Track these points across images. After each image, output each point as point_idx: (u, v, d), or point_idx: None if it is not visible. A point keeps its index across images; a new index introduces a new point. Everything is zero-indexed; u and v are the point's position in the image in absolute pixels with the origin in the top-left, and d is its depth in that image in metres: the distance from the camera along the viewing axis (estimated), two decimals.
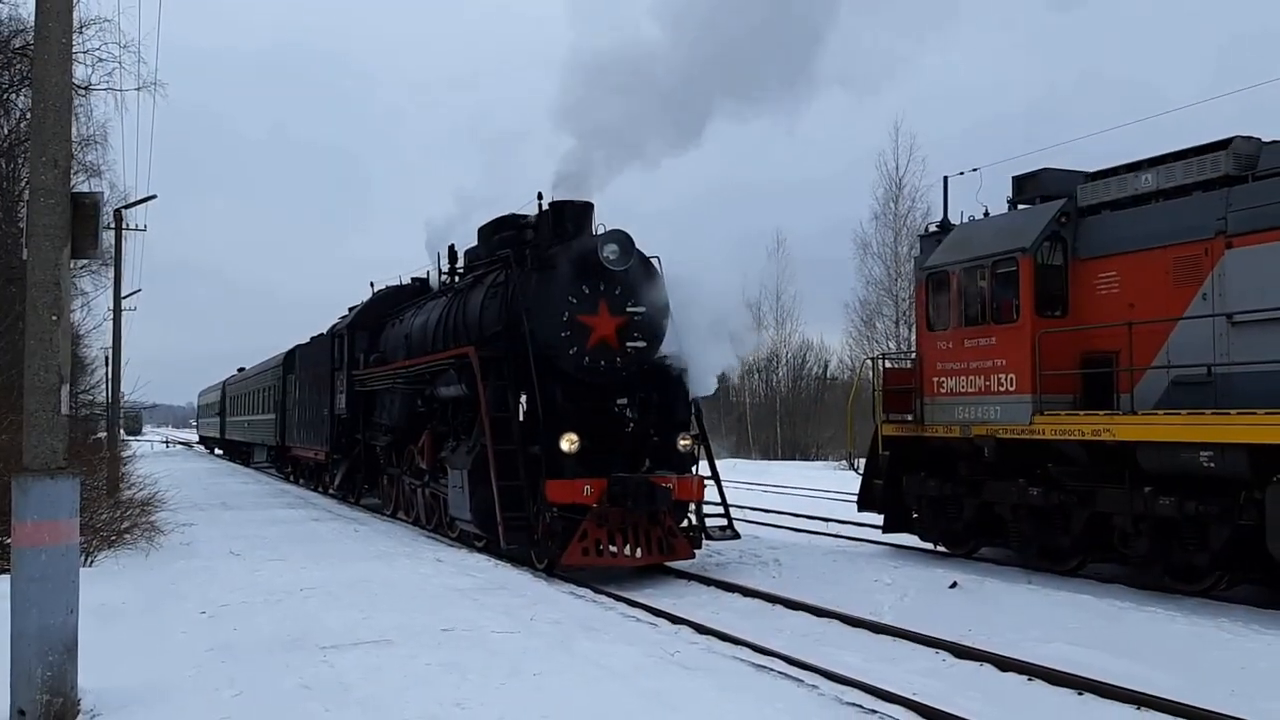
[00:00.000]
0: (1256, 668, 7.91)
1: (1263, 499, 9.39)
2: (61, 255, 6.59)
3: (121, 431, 32.31)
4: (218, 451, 56.44)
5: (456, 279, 17.13)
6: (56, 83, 6.65)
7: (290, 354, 30.11)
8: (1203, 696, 7.10)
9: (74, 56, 7.19)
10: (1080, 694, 7.37)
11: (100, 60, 23.56)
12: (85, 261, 16.63)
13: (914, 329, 16.83)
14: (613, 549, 12.35)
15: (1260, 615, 9.61)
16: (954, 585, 11.41)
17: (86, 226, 6.72)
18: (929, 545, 14.10)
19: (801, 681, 7.48)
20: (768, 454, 50.99)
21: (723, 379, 19.42)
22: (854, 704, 6.97)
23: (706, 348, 13.63)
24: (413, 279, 21.51)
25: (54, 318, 6.54)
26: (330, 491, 24.83)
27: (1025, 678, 7.78)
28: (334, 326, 24.03)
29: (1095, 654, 8.24)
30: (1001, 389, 12.13)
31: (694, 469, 13.44)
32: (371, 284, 22.77)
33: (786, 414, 54.08)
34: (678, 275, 13.60)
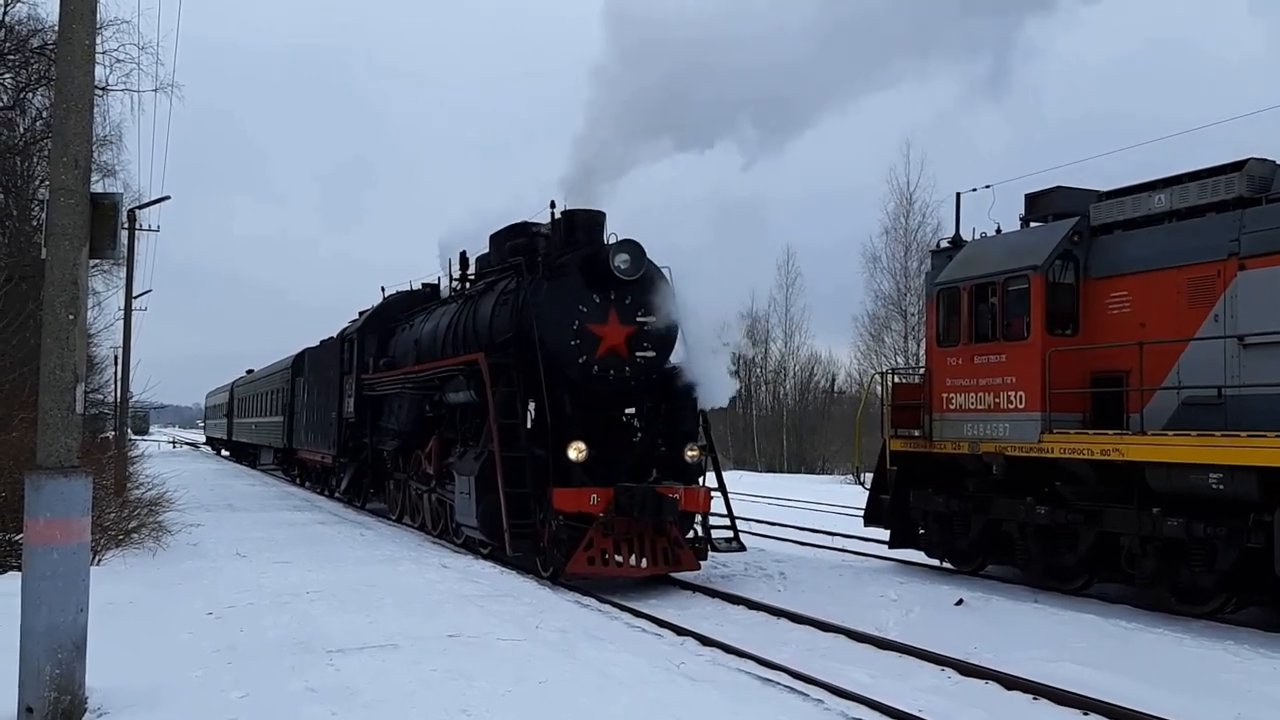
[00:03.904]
0: (1263, 691, 7.87)
1: (1271, 522, 9.37)
2: (80, 255, 6.63)
3: (129, 431, 32.37)
4: (224, 453, 56.56)
5: (467, 285, 17.17)
6: (79, 84, 6.69)
7: (299, 357, 30.16)
8: (1210, 719, 7.08)
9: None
10: (1086, 714, 7.34)
11: (118, 61, 23.81)
12: (98, 261, 16.71)
13: (923, 344, 16.81)
14: (618, 559, 12.34)
15: (1268, 639, 9.58)
16: (960, 602, 11.39)
17: (105, 226, 6.76)
18: (935, 562, 14.06)
19: (807, 696, 7.47)
20: (774, 467, 50.91)
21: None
22: None
23: (716, 359, 13.64)
24: (423, 285, 21.59)
25: (71, 317, 6.58)
26: (336, 495, 24.85)
27: (1031, 696, 7.76)
28: (344, 330, 24.08)
29: (1102, 674, 8.21)
30: (1011, 406, 12.12)
31: (701, 480, 13.44)
32: (382, 289, 22.85)
33: (793, 427, 53.99)
34: (685, 285, 13.63)
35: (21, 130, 25.55)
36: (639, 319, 13.30)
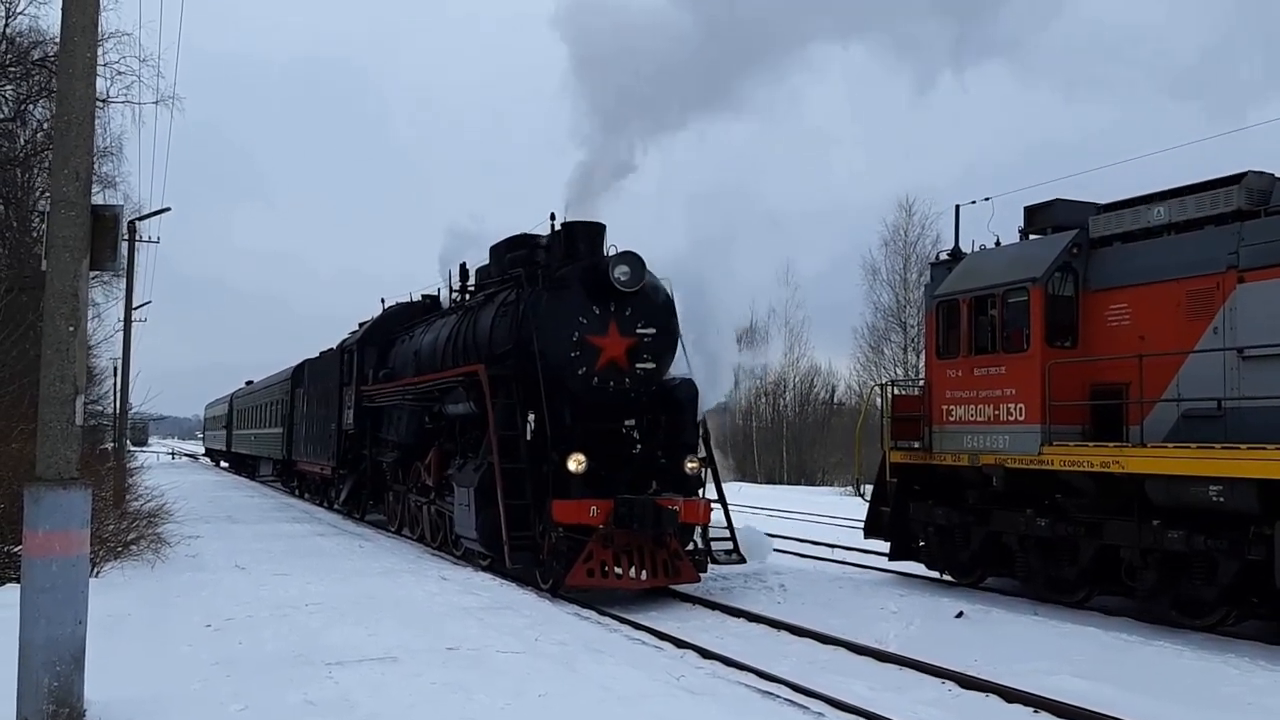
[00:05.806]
0: (1264, 704, 7.86)
1: (1272, 535, 9.35)
2: (80, 267, 6.64)
3: (128, 442, 32.34)
4: (223, 464, 56.49)
5: (467, 297, 17.18)
6: (80, 96, 6.72)
7: (299, 368, 30.15)
8: None
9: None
10: None
11: (119, 74, 23.87)
12: (98, 272, 16.70)
13: (923, 356, 16.82)
14: (618, 571, 12.31)
15: (1268, 651, 9.56)
16: (960, 615, 11.36)
17: (105, 238, 6.78)
18: (935, 574, 14.04)
19: (807, 709, 7.45)
20: (774, 478, 50.85)
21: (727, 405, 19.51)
22: None
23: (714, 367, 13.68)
24: (423, 296, 21.60)
25: (71, 329, 6.59)
26: (335, 507, 24.81)
27: (1031, 709, 7.73)
28: (344, 342, 24.09)
29: (1102, 687, 8.19)
30: (1011, 418, 12.12)
31: (700, 492, 13.42)
32: (382, 300, 22.89)
33: (793, 438, 53.96)
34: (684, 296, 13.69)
35: (22, 142, 25.60)
36: (639, 330, 13.30)
